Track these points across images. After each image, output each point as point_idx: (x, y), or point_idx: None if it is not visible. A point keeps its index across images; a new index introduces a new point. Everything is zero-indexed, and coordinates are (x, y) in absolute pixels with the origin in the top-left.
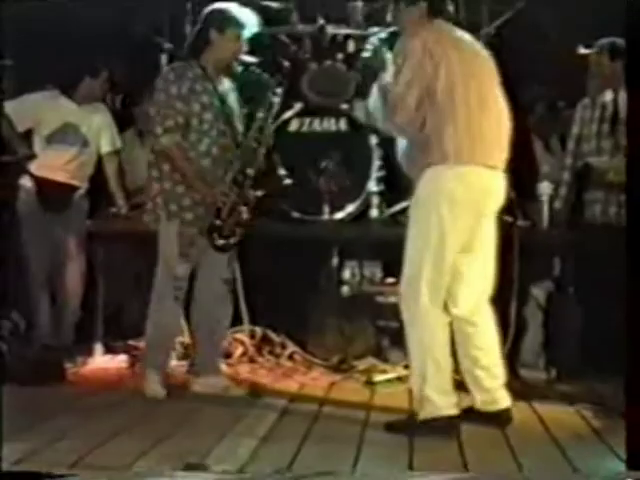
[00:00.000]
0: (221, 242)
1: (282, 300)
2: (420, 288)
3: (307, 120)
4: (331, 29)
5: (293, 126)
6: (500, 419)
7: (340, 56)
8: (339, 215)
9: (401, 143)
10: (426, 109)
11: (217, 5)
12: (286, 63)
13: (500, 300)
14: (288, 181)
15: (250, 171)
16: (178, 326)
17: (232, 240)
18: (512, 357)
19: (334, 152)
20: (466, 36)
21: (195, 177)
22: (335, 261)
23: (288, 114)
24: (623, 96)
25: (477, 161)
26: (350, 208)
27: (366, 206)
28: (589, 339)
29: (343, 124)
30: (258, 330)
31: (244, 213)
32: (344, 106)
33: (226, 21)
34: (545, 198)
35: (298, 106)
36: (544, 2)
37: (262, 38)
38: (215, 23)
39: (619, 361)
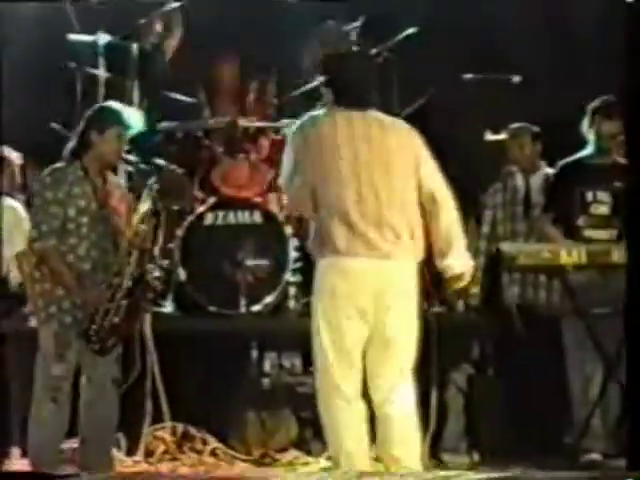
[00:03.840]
0: (97, 346)
1: (203, 395)
2: (326, 380)
3: (221, 213)
4: (243, 122)
5: (208, 220)
6: None
7: (253, 148)
8: (257, 307)
9: None
10: (312, 198)
11: (98, 105)
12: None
13: (420, 386)
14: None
15: (124, 276)
16: (61, 428)
17: (109, 343)
18: (435, 442)
19: (249, 244)
20: (369, 123)
21: (73, 281)
22: (255, 353)
23: (202, 208)
24: (535, 179)
25: (360, 253)
26: (268, 300)
27: (284, 297)
28: (511, 420)
29: (257, 216)
30: (179, 426)
31: (116, 317)
32: (257, 199)
33: (106, 121)
34: None
35: (212, 200)
36: (454, 89)
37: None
38: (95, 124)
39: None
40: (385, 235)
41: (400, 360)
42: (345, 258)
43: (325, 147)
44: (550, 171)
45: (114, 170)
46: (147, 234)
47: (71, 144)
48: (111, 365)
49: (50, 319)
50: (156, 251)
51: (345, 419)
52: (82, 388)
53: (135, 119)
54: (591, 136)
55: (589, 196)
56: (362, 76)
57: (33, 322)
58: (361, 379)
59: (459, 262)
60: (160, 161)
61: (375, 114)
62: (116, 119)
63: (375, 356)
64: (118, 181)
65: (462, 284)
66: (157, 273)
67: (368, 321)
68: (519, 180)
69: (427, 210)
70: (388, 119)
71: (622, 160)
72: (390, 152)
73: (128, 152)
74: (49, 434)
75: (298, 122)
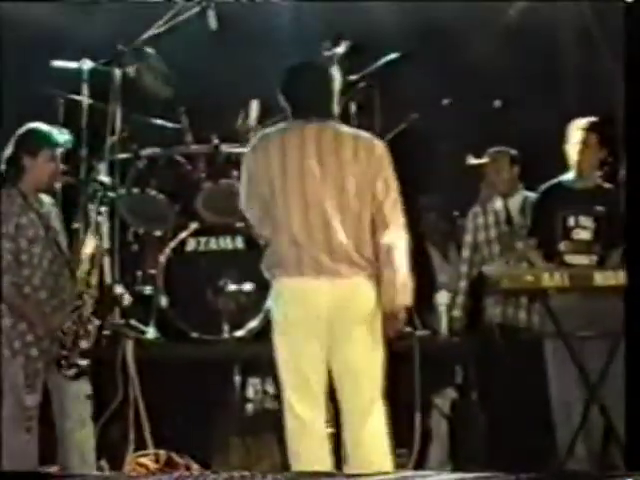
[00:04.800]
0: (72, 371)
1: (186, 421)
2: (289, 402)
3: (203, 239)
4: (225, 148)
5: (190, 246)
6: None
7: (235, 174)
8: (239, 333)
9: None
10: (267, 218)
11: (25, 128)
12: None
13: (404, 411)
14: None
15: (86, 297)
16: (34, 457)
17: (82, 367)
18: (418, 467)
19: (232, 270)
20: (323, 134)
21: (34, 314)
22: (238, 379)
23: (184, 234)
24: (513, 202)
25: (308, 273)
26: (251, 325)
27: (267, 322)
28: (495, 444)
29: (240, 242)
30: (162, 453)
31: (86, 341)
32: (240, 224)
33: (37, 144)
34: (443, 307)
35: (193, 226)
36: (437, 114)
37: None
38: (25, 147)
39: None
40: (335, 255)
41: (367, 383)
42: (294, 279)
43: (274, 164)
44: (528, 194)
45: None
46: (99, 252)
47: (4, 171)
48: (81, 385)
49: (16, 354)
50: (138, 276)
51: (300, 442)
52: (58, 415)
53: (63, 138)
54: (573, 159)
55: (571, 221)
56: (317, 86)
57: None
58: (322, 402)
59: (391, 291)
60: (104, 178)
61: (333, 125)
62: (47, 141)
63: (341, 380)
64: (50, 200)
65: (395, 325)
66: (120, 290)
67: (325, 343)
68: (498, 203)
69: (376, 224)
70: (348, 130)
71: (604, 184)
72: (345, 165)
73: (64, 173)
74: (25, 462)
75: (251, 141)
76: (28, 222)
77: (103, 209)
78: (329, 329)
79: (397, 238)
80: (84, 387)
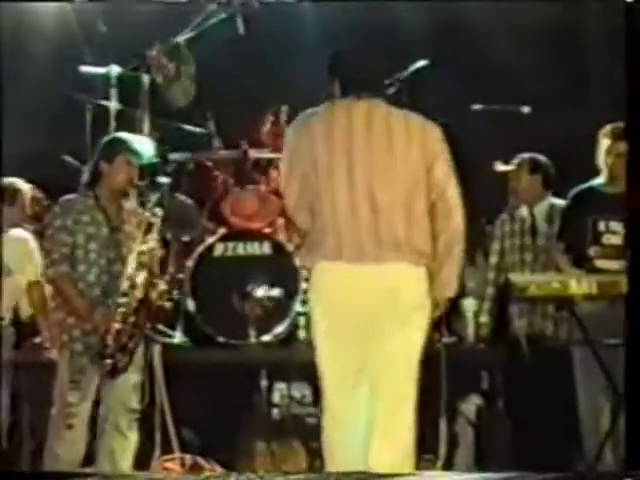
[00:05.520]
0: (109, 367)
1: (212, 426)
2: (327, 397)
3: (231, 244)
4: (254, 153)
5: (217, 251)
6: None
7: (263, 179)
8: (266, 338)
9: None
10: (307, 200)
11: (108, 136)
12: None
13: (430, 417)
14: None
15: (132, 297)
16: (77, 454)
17: (121, 365)
18: None
19: (259, 275)
20: (373, 113)
21: (85, 307)
22: (264, 384)
23: (211, 239)
24: (539, 209)
25: (352, 258)
26: (277, 330)
27: (293, 327)
28: (521, 451)
29: (267, 247)
30: (188, 458)
31: (126, 338)
32: (267, 229)
33: (114, 151)
34: (470, 314)
35: (221, 231)
36: (463, 119)
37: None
38: (104, 154)
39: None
40: (381, 242)
41: (400, 375)
42: (335, 263)
43: (317, 143)
44: (555, 201)
45: (127, 196)
46: (154, 253)
47: (85, 176)
48: (128, 394)
49: (63, 347)
50: (166, 279)
51: (337, 445)
52: (101, 419)
53: (145, 148)
54: (603, 164)
55: (601, 226)
56: (370, 60)
57: (46, 352)
58: (361, 395)
59: (444, 281)
60: (164, 179)
61: (383, 104)
62: (124, 148)
63: (374, 369)
64: (135, 207)
65: (436, 313)
66: (163, 286)
67: (365, 332)
68: (524, 211)
69: (436, 211)
70: (399, 111)
71: None
72: (396, 147)
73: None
74: (64, 459)
75: (294, 121)
76: (90, 219)
77: (159, 211)
78: (371, 315)
79: (461, 226)
80: (132, 399)
